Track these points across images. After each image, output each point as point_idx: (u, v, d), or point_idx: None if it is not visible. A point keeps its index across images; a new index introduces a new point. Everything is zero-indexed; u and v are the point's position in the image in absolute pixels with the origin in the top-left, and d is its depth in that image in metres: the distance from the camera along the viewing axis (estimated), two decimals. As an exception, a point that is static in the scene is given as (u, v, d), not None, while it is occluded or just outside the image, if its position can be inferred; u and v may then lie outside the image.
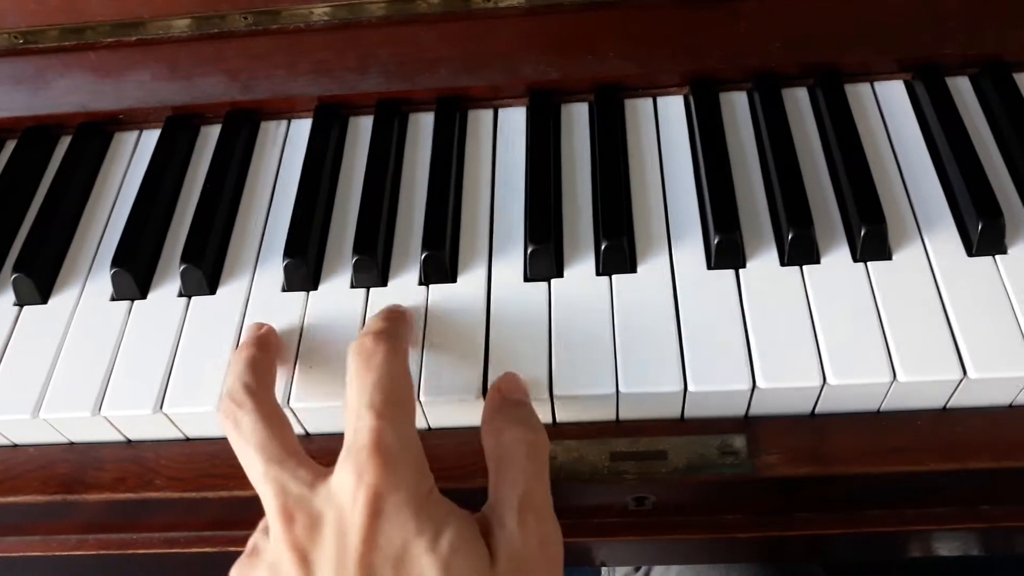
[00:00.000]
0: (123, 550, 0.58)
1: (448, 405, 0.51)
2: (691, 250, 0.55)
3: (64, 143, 0.68)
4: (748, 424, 0.52)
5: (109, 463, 0.54)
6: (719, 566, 0.75)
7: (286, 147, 0.66)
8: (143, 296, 0.58)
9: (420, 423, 0.53)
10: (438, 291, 0.55)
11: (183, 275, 0.57)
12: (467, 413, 0.52)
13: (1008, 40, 0.62)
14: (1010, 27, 0.61)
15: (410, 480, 0.41)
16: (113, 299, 0.58)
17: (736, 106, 0.64)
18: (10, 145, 0.69)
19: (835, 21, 0.62)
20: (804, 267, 0.54)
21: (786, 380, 0.49)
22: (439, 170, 0.61)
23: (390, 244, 0.58)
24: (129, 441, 0.55)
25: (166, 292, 0.58)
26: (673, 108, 0.64)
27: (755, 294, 0.53)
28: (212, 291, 0.57)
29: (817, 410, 0.51)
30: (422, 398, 0.50)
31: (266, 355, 0.50)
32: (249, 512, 0.49)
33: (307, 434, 0.54)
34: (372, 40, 0.64)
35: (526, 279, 0.55)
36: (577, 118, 0.65)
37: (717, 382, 0.49)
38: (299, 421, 0.53)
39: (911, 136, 0.61)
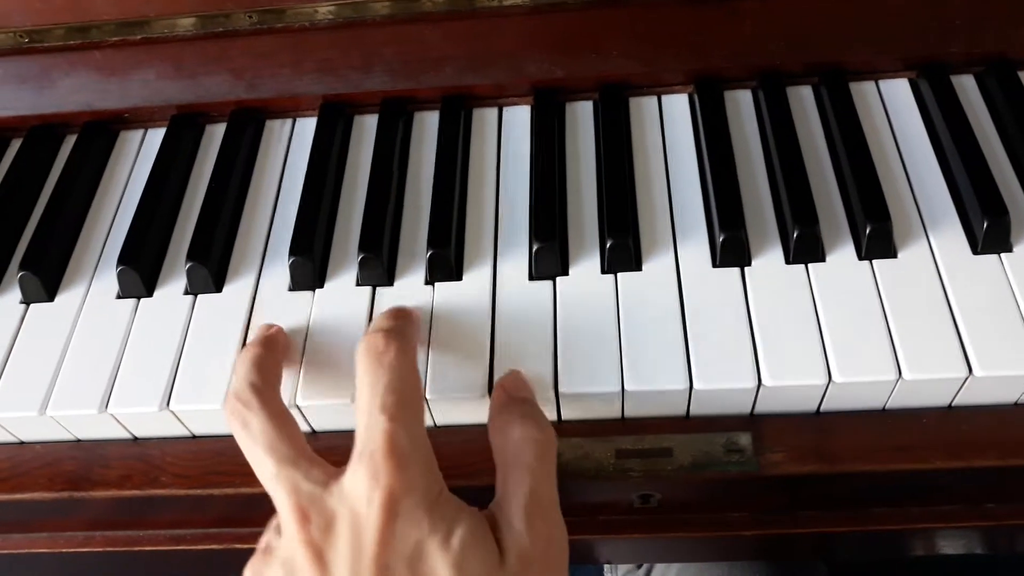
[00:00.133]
0: (129, 547, 0.59)
1: (454, 403, 0.51)
2: (696, 248, 0.55)
3: (69, 142, 0.68)
4: (753, 422, 0.52)
5: (115, 460, 0.54)
6: (721, 564, 0.75)
7: (291, 146, 0.66)
8: (149, 294, 0.58)
9: (426, 420, 0.53)
10: (443, 289, 0.55)
11: (189, 273, 0.57)
12: (473, 411, 0.52)
13: (1012, 39, 0.62)
14: (1014, 26, 0.61)
15: (422, 481, 0.42)
16: (119, 297, 0.58)
17: (741, 104, 0.64)
18: (16, 144, 0.69)
19: (837, 21, 0.62)
20: (809, 265, 0.54)
21: (791, 378, 0.49)
22: (444, 168, 0.61)
23: (396, 242, 0.58)
24: (135, 438, 0.55)
25: (172, 290, 0.58)
26: (678, 106, 0.64)
27: (760, 292, 0.53)
28: (218, 289, 0.57)
29: (822, 408, 0.51)
30: (428, 396, 0.50)
31: (271, 354, 0.50)
32: (255, 509, 0.49)
33: (313, 432, 0.54)
34: (377, 39, 0.64)
35: (531, 277, 0.55)
36: (582, 116, 0.65)
37: (723, 380, 0.49)
38: (305, 419, 0.53)
39: (916, 134, 0.61)
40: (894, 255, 0.54)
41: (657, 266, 0.55)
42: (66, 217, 0.62)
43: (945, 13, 0.61)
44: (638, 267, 0.55)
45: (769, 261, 0.54)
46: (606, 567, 0.87)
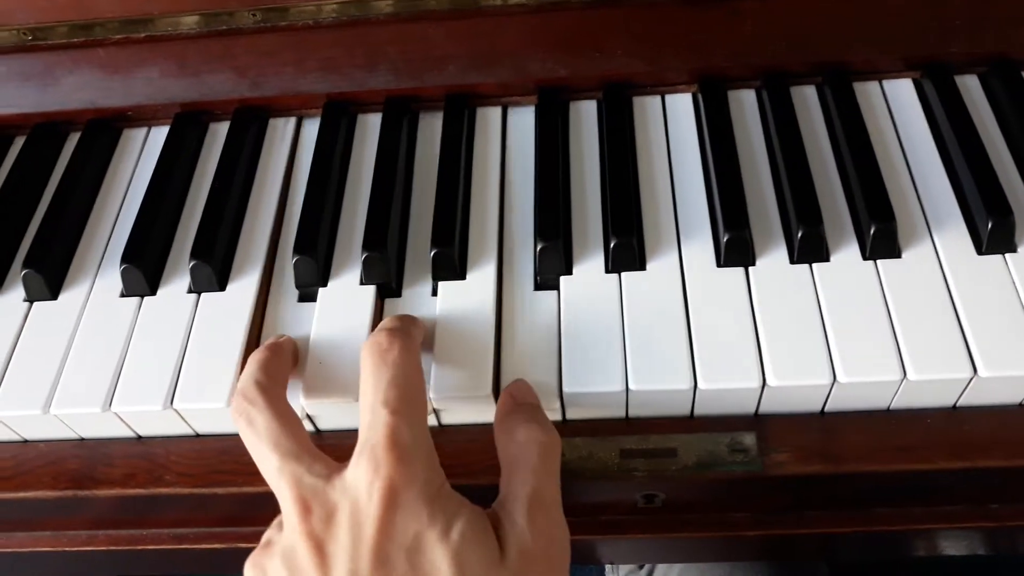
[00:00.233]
0: (132, 546, 0.59)
1: (459, 402, 0.51)
2: (700, 248, 0.55)
3: (73, 140, 0.68)
4: (758, 422, 0.52)
5: (119, 459, 0.54)
6: (723, 564, 0.75)
7: (295, 144, 0.66)
8: (153, 292, 0.58)
9: (431, 420, 0.53)
10: (448, 288, 0.55)
11: (193, 271, 0.57)
12: (477, 410, 0.52)
13: (1013, 39, 0.62)
14: (1014, 26, 0.61)
15: (423, 475, 0.42)
16: (123, 295, 0.58)
17: (745, 104, 0.64)
18: (19, 142, 0.69)
19: (836, 21, 0.62)
20: (814, 265, 0.54)
21: (796, 378, 0.49)
22: (448, 167, 0.61)
23: (401, 241, 0.58)
24: (139, 437, 0.55)
25: (176, 288, 0.58)
26: (682, 106, 0.64)
27: (765, 292, 0.53)
28: (222, 287, 0.57)
29: (827, 408, 0.51)
30: (433, 395, 0.50)
31: (279, 357, 0.50)
32: (259, 508, 0.49)
33: (318, 431, 0.54)
34: (381, 37, 0.64)
35: (535, 276, 0.55)
36: (586, 116, 0.65)
37: (727, 380, 0.49)
38: (310, 417, 0.53)
39: (920, 134, 0.61)
40: (898, 255, 0.54)
41: (661, 266, 0.55)
42: (70, 215, 0.62)
43: (945, 13, 0.61)
44: (642, 267, 0.55)
45: (773, 261, 0.54)
46: (608, 567, 0.87)
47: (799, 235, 0.53)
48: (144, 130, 0.68)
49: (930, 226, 0.55)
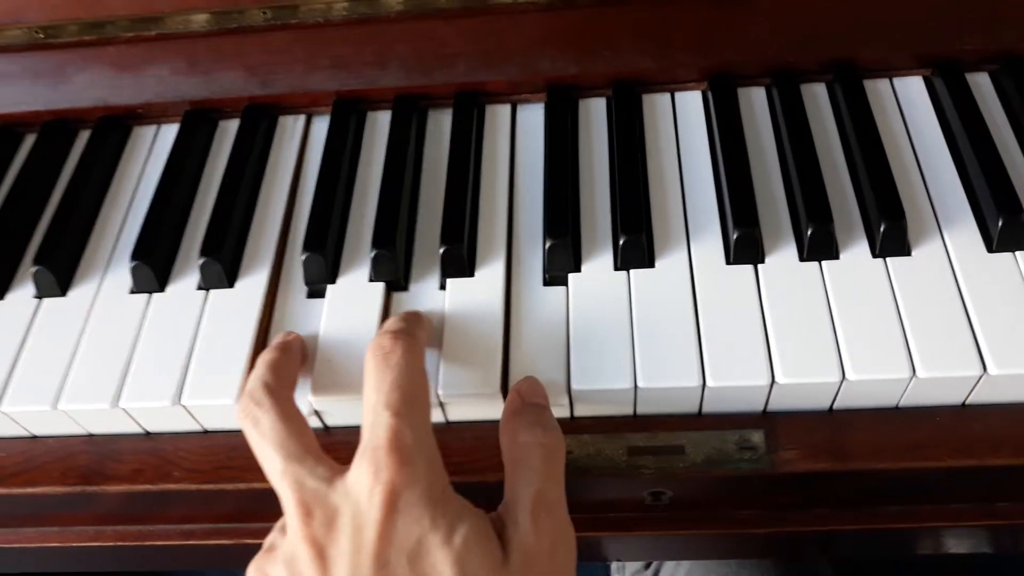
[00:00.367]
0: (140, 541, 0.59)
1: (466, 399, 0.51)
2: (709, 245, 0.55)
3: (83, 137, 0.68)
4: (766, 419, 0.52)
5: (127, 455, 0.55)
6: (729, 562, 0.75)
7: (304, 142, 0.66)
8: (162, 289, 0.58)
9: (438, 417, 0.53)
10: (456, 285, 0.55)
11: (202, 268, 0.57)
12: (485, 407, 0.52)
13: (1024, 36, 0.62)
14: (1026, 23, 0.61)
15: (426, 477, 0.42)
16: (132, 292, 0.58)
17: (754, 101, 0.64)
18: (30, 139, 0.69)
19: (848, 18, 0.62)
20: (823, 262, 0.53)
21: (805, 376, 0.49)
22: (457, 165, 0.61)
23: (410, 239, 0.58)
24: (148, 433, 0.55)
25: (185, 285, 0.58)
26: (691, 103, 0.64)
27: (774, 289, 0.52)
28: (231, 284, 0.57)
29: (835, 406, 0.51)
30: (440, 392, 0.50)
31: (287, 358, 0.50)
32: (266, 505, 0.49)
33: (326, 428, 0.54)
34: (390, 35, 0.64)
35: (544, 273, 0.55)
36: (595, 113, 0.64)
37: (736, 377, 0.49)
38: (318, 414, 0.53)
39: (930, 132, 0.60)
40: (908, 253, 0.53)
41: (670, 263, 0.55)
42: (79, 212, 0.63)
43: (955, 11, 0.61)
44: (651, 264, 0.55)
45: (783, 258, 0.54)
46: (613, 566, 0.87)
47: (809, 233, 0.53)
48: (154, 128, 0.69)
49: (940, 224, 0.55)
